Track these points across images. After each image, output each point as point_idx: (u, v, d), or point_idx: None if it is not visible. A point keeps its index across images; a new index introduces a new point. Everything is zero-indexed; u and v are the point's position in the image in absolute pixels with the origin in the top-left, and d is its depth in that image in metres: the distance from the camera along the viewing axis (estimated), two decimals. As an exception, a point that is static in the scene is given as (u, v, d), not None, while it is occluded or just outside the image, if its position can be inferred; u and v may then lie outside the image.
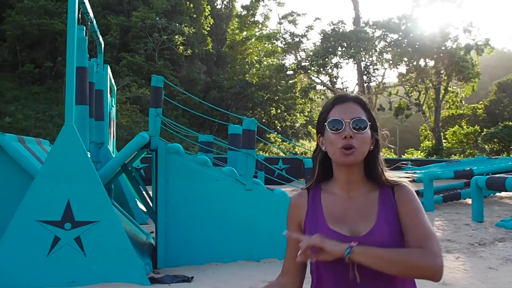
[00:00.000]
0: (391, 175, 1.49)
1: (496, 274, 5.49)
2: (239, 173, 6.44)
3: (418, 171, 12.47)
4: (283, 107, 41.75)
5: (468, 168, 12.28)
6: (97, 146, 6.60)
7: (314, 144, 38.75)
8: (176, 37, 35.34)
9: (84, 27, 5.83)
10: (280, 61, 31.67)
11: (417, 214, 1.41)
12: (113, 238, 4.99)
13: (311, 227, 1.48)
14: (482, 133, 33.61)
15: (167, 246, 6.02)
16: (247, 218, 6.35)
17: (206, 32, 41.82)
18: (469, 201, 12.41)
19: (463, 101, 35.59)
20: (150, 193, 8.85)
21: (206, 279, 5.41)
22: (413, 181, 1.50)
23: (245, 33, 36.34)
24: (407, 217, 1.41)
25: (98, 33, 7.64)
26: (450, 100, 34.84)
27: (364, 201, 1.46)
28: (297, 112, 43.22)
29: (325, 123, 1.46)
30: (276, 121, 40.37)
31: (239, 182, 6.33)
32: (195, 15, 40.75)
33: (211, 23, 42.59)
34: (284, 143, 36.66)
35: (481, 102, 48.81)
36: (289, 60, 30.66)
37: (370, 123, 1.45)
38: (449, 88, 33.15)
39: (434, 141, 33.53)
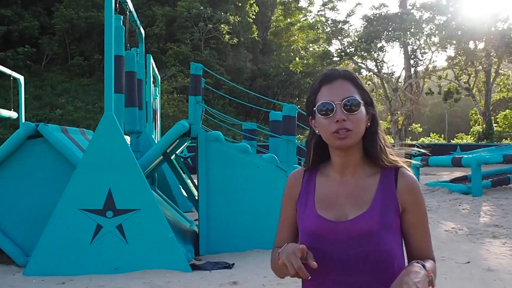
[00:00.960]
0: (393, 154, 1.38)
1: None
2: (280, 159, 6.36)
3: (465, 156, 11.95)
4: (325, 94, 41.11)
5: (517, 152, 11.67)
6: (136, 135, 6.67)
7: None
8: (222, 26, 35.45)
9: (122, 16, 5.86)
10: (324, 48, 31.15)
11: (423, 219, 1.37)
12: (154, 226, 5.04)
13: (301, 208, 1.42)
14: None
15: (209, 233, 6.04)
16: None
17: (252, 20, 41.69)
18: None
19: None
20: (196, 181, 8.94)
21: (246, 266, 5.39)
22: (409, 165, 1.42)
23: (289, 19, 35.90)
24: (413, 218, 1.36)
25: (138, 22, 7.70)
26: (501, 83, 33.26)
27: (359, 185, 1.36)
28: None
29: (314, 108, 1.34)
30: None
31: (280, 169, 6.25)
32: (240, 3, 40.68)
33: (256, 11, 42.41)
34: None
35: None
36: (335, 46, 30.13)
37: (363, 100, 1.33)
38: (500, 71, 31.56)
39: (484, 125, 32.09)
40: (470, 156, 11.66)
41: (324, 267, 1.30)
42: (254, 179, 6.19)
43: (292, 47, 41.06)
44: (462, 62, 28.74)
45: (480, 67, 29.79)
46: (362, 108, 1.31)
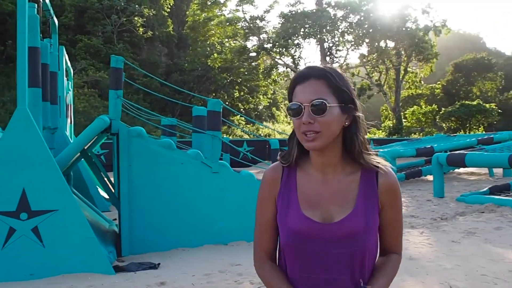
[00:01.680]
0: (373, 156, 1.38)
1: (459, 247, 5.60)
2: (205, 155, 6.27)
3: (380, 150, 12.61)
4: (246, 90, 41.49)
5: (429, 146, 12.52)
6: (50, 131, 6.25)
7: (277, 126, 38.76)
8: (136, 18, 34.40)
9: (36, 5, 5.45)
10: (242, 43, 31.28)
11: (399, 216, 1.42)
12: (73, 227, 4.75)
13: (283, 207, 1.39)
14: (440, 112, 34.43)
15: (131, 232, 5.82)
16: (214, 201, 6.21)
17: (167, 14, 40.91)
18: (430, 177, 12.69)
19: (422, 81, 36.30)
20: (112, 179, 8.59)
21: (173, 265, 5.26)
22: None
23: (205, 14, 35.61)
24: (391, 215, 1.40)
25: (52, 11, 7.22)
26: (409, 81, 35.53)
27: (341, 184, 1.36)
28: (260, 94, 43.09)
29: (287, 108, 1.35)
30: (239, 104, 40.08)
31: (205, 165, 6.17)
32: (155, -4, 39.75)
33: (172, 4, 41.67)
34: (248, 125, 36.59)
35: (439, 82, 50.07)
36: (252, 42, 30.39)
37: (339, 100, 1.30)
38: (408, 69, 33.75)
39: (394, 120, 34.17)
40: (385, 150, 12.30)
41: (306, 265, 1.33)
42: (178, 175, 6.06)
43: (208, 42, 40.85)
44: (374, 60, 30.26)
45: (391, 65, 31.59)
46: (334, 109, 1.28)
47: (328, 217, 1.33)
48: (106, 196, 10.28)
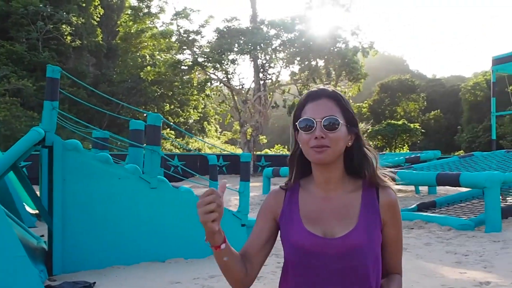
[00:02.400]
0: (380, 172, 1.45)
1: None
2: (143, 170, 6.16)
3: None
4: (177, 103, 41.13)
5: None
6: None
7: (207, 140, 38.60)
8: (63, 26, 33.11)
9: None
10: (176, 56, 31.04)
11: (399, 234, 1.46)
12: (2, 244, 4.47)
13: (287, 225, 1.45)
14: (368, 131, 35.97)
15: (64, 250, 5.56)
16: (152, 217, 6.10)
17: (96, 23, 39.77)
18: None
19: (350, 100, 37.79)
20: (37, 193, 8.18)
21: (109, 284, 5.10)
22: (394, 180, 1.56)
23: (136, 25, 35.01)
24: (391, 233, 1.44)
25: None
26: (337, 99, 36.73)
27: (343, 201, 1.42)
28: (191, 108, 42.89)
29: (296, 123, 1.41)
30: (169, 117, 39.63)
31: (143, 180, 6.05)
32: (84, 4, 38.48)
33: (101, 14, 40.60)
34: (178, 139, 36.22)
35: (366, 102, 52.52)
36: (185, 56, 30.18)
37: (346, 120, 1.39)
38: (338, 87, 35.04)
39: (322, 137, 35.23)
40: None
41: (310, 279, 1.37)
42: (115, 191, 5.90)
43: (138, 54, 40.15)
44: (304, 78, 31.14)
45: (321, 83, 32.66)
46: (342, 128, 1.37)
47: (330, 232, 1.38)
48: (31, 211, 9.77)
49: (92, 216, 5.76)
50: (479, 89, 51.32)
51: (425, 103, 56.07)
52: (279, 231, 1.49)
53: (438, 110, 58.18)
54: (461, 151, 45.24)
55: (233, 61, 28.62)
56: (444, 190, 13.95)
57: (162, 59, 33.96)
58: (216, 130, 49.70)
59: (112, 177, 5.89)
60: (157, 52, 34.98)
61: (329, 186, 1.43)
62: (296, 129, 1.44)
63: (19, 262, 4.52)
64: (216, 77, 29.54)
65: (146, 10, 31.31)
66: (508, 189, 10.60)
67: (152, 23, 32.84)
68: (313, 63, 30.49)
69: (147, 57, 40.26)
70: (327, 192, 1.43)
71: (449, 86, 66.20)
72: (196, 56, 28.62)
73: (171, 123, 7.47)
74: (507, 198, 9.83)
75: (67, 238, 5.59)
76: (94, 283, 5.04)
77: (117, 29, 42.88)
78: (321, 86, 1.47)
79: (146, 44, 35.28)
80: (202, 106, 44.19)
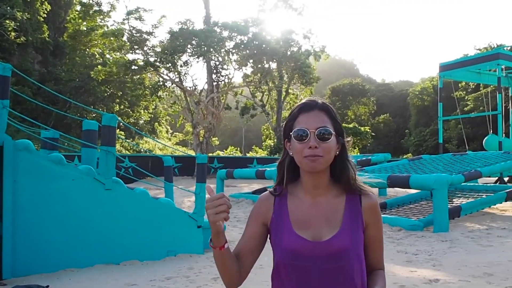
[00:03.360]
0: (360, 180, 1.57)
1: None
2: (96, 171, 6.06)
3: (267, 168, 13.10)
4: (127, 103, 40.32)
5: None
6: None
7: (157, 142, 37.99)
8: (7, 21, 31.72)
9: None
10: (126, 56, 30.40)
11: (380, 234, 1.58)
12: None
13: (277, 230, 1.53)
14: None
15: (14, 253, 5.39)
16: (106, 219, 6.02)
17: (42, 19, 38.35)
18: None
19: (301, 103, 38.27)
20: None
21: (63, 287, 4.97)
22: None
23: (85, 23, 34.02)
24: (373, 233, 1.56)
25: None
26: (290, 102, 37.31)
27: (329, 206, 1.52)
28: (141, 109, 42.17)
29: (291, 133, 1.50)
30: (119, 118, 38.78)
31: (97, 181, 5.96)
32: (29, -1, 37.06)
33: (48, 10, 39.21)
34: (128, 140, 35.52)
35: (317, 105, 53.22)
36: (137, 56, 29.58)
37: (335, 130, 1.49)
38: (290, 91, 35.51)
39: (275, 140, 35.57)
40: (272, 169, 12.75)
41: (301, 280, 1.46)
42: (69, 192, 5.78)
43: (87, 52, 39.04)
44: (257, 80, 31.31)
45: (273, 86, 32.97)
46: (333, 138, 1.47)
47: (318, 236, 1.47)
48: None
49: (44, 218, 5.61)
50: (426, 94, 53.45)
51: (375, 107, 57.83)
52: (269, 235, 1.57)
53: (387, 114, 60.16)
54: (409, 154, 46.94)
55: (186, 63, 28.38)
56: (394, 192, 14.44)
57: (112, 58, 33.13)
58: (167, 131, 49.08)
59: (66, 178, 5.76)
60: (107, 51, 34.07)
61: (317, 192, 1.53)
62: (286, 138, 1.54)
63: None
64: (168, 78, 29.17)
65: (96, 8, 30.45)
66: (455, 190, 11.12)
67: (102, 21, 32.01)
68: (266, 65, 30.72)
69: (97, 56, 39.24)
70: (315, 197, 1.53)
71: (397, 90, 68.61)
72: (148, 57, 28.16)
73: (127, 123, 7.33)
74: (454, 200, 10.30)
75: (18, 241, 5.42)
76: (47, 286, 4.90)
77: (64, 26, 41.53)
78: (312, 98, 1.56)
79: (96, 42, 34.31)
80: (153, 107, 43.53)
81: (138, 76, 31.10)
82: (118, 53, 31.80)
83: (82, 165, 6.38)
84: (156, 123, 45.92)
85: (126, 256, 6.11)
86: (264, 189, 13.94)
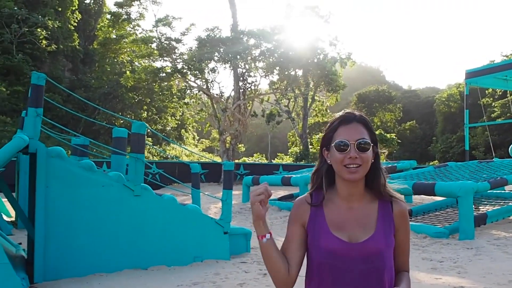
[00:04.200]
0: (390, 187, 1.68)
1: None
2: (126, 178, 6.17)
3: (293, 175, 13.06)
4: (154, 110, 40.88)
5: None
6: None
7: (184, 148, 38.29)
8: (39, 30, 32.61)
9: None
10: (154, 63, 30.85)
11: (408, 237, 1.70)
12: (-14, 252, 4.43)
13: (315, 231, 1.64)
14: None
15: (46, 258, 5.52)
16: (135, 224, 6.11)
17: (73, 28, 39.31)
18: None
19: (328, 110, 38.21)
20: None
21: (93, 292, 5.08)
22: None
23: (115, 31, 34.68)
24: (402, 237, 1.67)
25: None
26: (316, 109, 37.19)
27: (363, 211, 1.63)
28: (168, 116, 42.68)
29: (332, 144, 1.60)
30: (147, 124, 39.34)
31: (127, 188, 6.06)
32: (60, 8, 37.98)
33: (79, 18, 40.18)
34: (155, 146, 35.99)
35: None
36: (165, 63, 29.95)
37: (371, 140, 1.60)
38: (315, 97, 35.40)
39: (301, 146, 35.47)
40: (298, 176, 12.73)
41: (337, 280, 1.57)
42: (99, 198, 5.90)
43: (116, 60, 39.78)
44: (283, 87, 31.32)
45: (299, 93, 32.94)
46: (371, 148, 1.59)
47: (354, 238, 1.59)
48: (7, 219, 9.62)
49: (75, 224, 5.74)
50: (452, 100, 52.55)
51: (401, 113, 57.15)
52: (308, 237, 1.67)
53: (414, 121, 59.34)
54: (436, 161, 46.13)
55: (213, 70, 28.59)
56: (420, 199, 14.23)
57: (141, 65, 33.64)
58: (193, 138, 49.51)
59: (96, 185, 5.88)
60: (136, 59, 34.61)
61: (353, 198, 1.64)
62: (324, 147, 1.67)
63: (2, 270, 4.49)
64: (195, 85, 29.42)
65: (125, 16, 30.99)
66: (480, 198, 10.89)
67: (131, 29, 32.57)
68: (292, 73, 30.71)
69: (126, 63, 39.92)
70: (349, 202, 1.64)
71: (424, 97, 67.63)
72: (176, 64, 28.46)
73: (154, 130, 7.43)
74: (479, 207, 10.10)
75: (49, 246, 5.56)
76: (77, 291, 5.02)
77: (94, 34, 42.46)
78: (349, 111, 1.68)
79: (125, 50, 34.90)
80: (180, 114, 43.99)
81: (166, 83, 31.46)
82: (146, 60, 32.26)
83: (111, 171, 6.49)
84: (183, 130, 46.37)
85: (154, 261, 6.19)
86: (290, 196, 13.94)
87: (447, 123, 53.23)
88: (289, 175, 13.29)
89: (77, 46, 39.56)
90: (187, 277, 5.76)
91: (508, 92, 35.08)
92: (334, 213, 1.64)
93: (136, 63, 38.03)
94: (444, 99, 54.21)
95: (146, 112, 39.67)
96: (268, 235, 1.59)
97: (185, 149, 31.70)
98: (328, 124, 1.69)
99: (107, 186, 5.95)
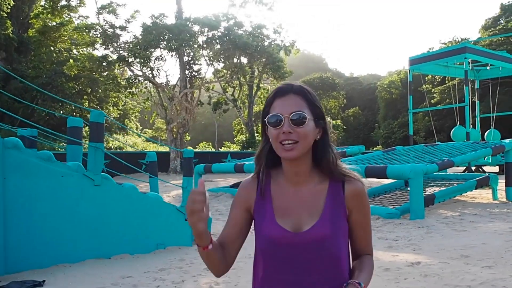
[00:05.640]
0: (343, 166, 1.51)
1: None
2: (86, 168, 6.11)
3: (246, 162, 13.27)
4: (95, 100, 39.75)
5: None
6: None
7: (128, 138, 37.58)
8: (-32, 17, 30.77)
9: None
10: (96, 52, 29.93)
11: (366, 220, 1.52)
12: None
13: (259, 216, 1.51)
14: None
15: (6, 250, 5.40)
16: (96, 214, 6.09)
17: (6, 15, 37.33)
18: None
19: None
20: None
21: (59, 282, 5.06)
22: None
23: (53, 18, 33.23)
24: (359, 219, 1.50)
25: None
26: (261, 96, 37.55)
27: (311, 194, 1.47)
28: (110, 106, 41.65)
29: (265, 119, 1.45)
30: (88, 115, 38.17)
31: (87, 178, 6.01)
32: (-9, -5, 35.98)
33: (12, 5, 38.17)
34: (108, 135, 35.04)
35: (288, 99, 53.85)
36: (108, 51, 29.02)
37: (313, 114, 1.43)
38: (260, 85, 35.72)
39: (247, 134, 35.75)
40: (251, 163, 12.87)
41: (279, 268, 1.45)
42: (58, 189, 5.82)
43: (53, 49, 38.23)
44: (228, 76, 31.36)
45: (244, 81, 33.10)
46: (310, 122, 1.40)
47: (298, 225, 1.43)
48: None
49: (35, 215, 5.64)
50: (394, 87, 54.61)
51: (345, 100, 58.76)
52: (253, 221, 1.55)
53: (357, 107, 61.17)
54: (379, 146, 47.86)
55: (159, 58, 28.17)
56: (368, 183, 14.83)
57: (80, 54, 32.54)
58: (137, 128, 48.61)
59: (55, 175, 5.79)
60: (77, 47, 33.42)
61: (298, 179, 1.48)
62: (265, 125, 1.48)
63: (-36, 264, 4.39)
64: (141, 74, 28.86)
65: (65, 2, 29.83)
66: (427, 180, 11.56)
67: (73, 15, 31.36)
68: (237, 60, 30.81)
69: (63, 51, 38.44)
70: (297, 184, 1.48)
71: (366, 84, 69.82)
72: (121, 52, 27.78)
73: (113, 119, 7.27)
74: (426, 189, 10.72)
75: (9, 238, 5.44)
76: (44, 281, 4.98)
77: (28, 22, 40.54)
78: (287, 82, 1.50)
79: (65, 38, 33.58)
80: (123, 104, 43.03)
81: (107, 73, 30.61)
82: (88, 49, 31.23)
83: (71, 162, 6.40)
84: (126, 120, 45.43)
85: (117, 250, 6.20)
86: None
87: (388, 109, 55.25)
88: (242, 162, 13.47)
89: (11, 34, 37.63)
90: (152, 264, 5.82)
91: (446, 78, 37.01)
92: (280, 198, 1.49)
93: (75, 52, 36.75)
94: (385, 86, 56.21)
95: (88, 102, 38.48)
96: (210, 246, 1.35)
97: (147, 138, 31.09)
98: (265, 100, 1.52)
99: (67, 176, 5.88)
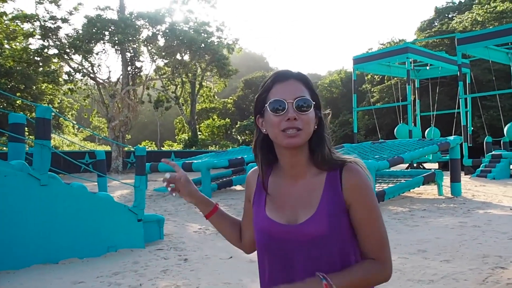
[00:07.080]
0: (339, 154, 1.40)
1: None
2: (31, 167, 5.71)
3: (194, 161, 13.02)
4: (29, 97, 37.76)
5: (240, 157, 13.40)
6: None
7: (66, 137, 36.08)
8: None
9: None
10: (32, 46, 28.32)
11: (371, 215, 1.32)
12: None
13: (255, 208, 1.45)
14: (236, 125, 37.15)
15: None
16: (43, 216, 5.71)
17: None
18: (238, 187, 13.60)
19: (215, 96, 38.36)
20: None
21: (3, 290, 4.67)
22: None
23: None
24: (359, 215, 1.32)
25: None
26: (204, 95, 37.18)
27: (307, 186, 1.36)
28: (45, 103, 39.75)
29: (266, 104, 1.32)
30: (21, 112, 36.21)
31: (32, 177, 5.62)
32: None
33: None
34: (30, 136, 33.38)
35: (231, 97, 54.06)
36: (47, 44, 27.50)
37: (314, 102, 1.32)
38: (203, 83, 35.39)
39: (190, 133, 35.29)
40: (200, 161, 12.67)
41: (272, 264, 1.37)
42: (1, 189, 5.39)
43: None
44: (170, 73, 30.78)
45: (186, 78, 32.63)
46: (313, 110, 1.31)
47: (293, 219, 1.33)
48: None
49: (-25, 218, 5.20)
50: (334, 86, 55.76)
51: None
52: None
53: (298, 106, 62.04)
54: (321, 144, 48.90)
55: (102, 52, 27.14)
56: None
57: (10, 47, 30.74)
58: (73, 127, 46.73)
59: (-3, 175, 5.37)
60: (9, 42, 31.54)
61: (296, 171, 1.37)
62: (258, 113, 1.38)
63: None
64: (82, 68, 27.63)
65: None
66: (375, 176, 11.82)
67: (2, 7, 29.49)
68: (180, 58, 30.33)
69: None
70: (293, 177, 1.38)
71: (307, 83, 70.95)
72: (61, 45, 26.46)
73: (62, 116, 6.84)
74: (376, 185, 10.95)
75: None
76: (-14, 291, 4.58)
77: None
78: (284, 69, 1.39)
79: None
80: (58, 101, 41.20)
81: (41, 68, 29.08)
82: (22, 43, 29.54)
83: (15, 160, 5.97)
84: (62, 119, 43.56)
85: (65, 254, 5.85)
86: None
87: (329, 108, 56.51)
88: (190, 161, 13.21)
89: None
90: (104, 267, 5.53)
91: (385, 78, 38.31)
92: (277, 190, 1.39)
93: (7, 46, 34.76)
94: (326, 85, 57.31)
95: (21, 100, 36.50)
96: (213, 215, 1.59)
97: (96, 135, 29.82)
98: (261, 85, 1.40)
99: (10, 176, 5.46)
